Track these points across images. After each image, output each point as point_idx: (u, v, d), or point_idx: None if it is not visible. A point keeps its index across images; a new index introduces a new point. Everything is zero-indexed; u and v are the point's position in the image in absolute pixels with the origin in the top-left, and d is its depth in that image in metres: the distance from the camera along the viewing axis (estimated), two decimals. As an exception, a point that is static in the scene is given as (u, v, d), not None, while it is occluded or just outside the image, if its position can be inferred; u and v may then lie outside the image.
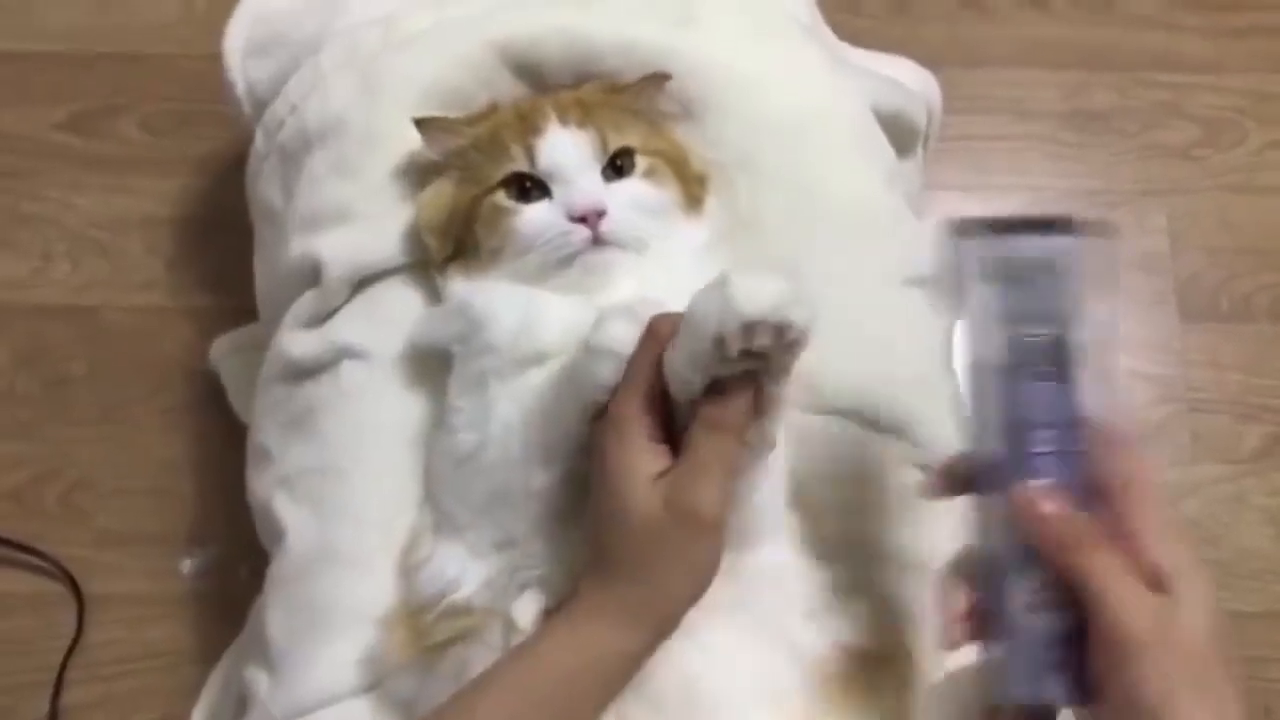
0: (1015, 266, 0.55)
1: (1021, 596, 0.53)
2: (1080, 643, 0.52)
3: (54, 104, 1.15)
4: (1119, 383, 0.56)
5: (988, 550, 0.55)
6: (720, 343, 0.52)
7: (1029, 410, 0.54)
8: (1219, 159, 1.15)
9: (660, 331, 0.57)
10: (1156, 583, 0.50)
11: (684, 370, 0.55)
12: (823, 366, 0.70)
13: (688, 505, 0.55)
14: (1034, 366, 0.54)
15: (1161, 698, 0.49)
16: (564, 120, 0.70)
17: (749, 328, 0.51)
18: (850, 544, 0.72)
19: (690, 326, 0.54)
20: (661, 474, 0.56)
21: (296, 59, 0.82)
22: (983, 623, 0.55)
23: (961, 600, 0.56)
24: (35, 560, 1.00)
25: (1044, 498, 0.53)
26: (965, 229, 0.55)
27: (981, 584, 0.55)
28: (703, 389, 0.55)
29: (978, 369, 0.55)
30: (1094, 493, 0.54)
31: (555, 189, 0.69)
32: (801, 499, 0.70)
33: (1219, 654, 0.50)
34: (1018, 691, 0.54)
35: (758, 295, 0.51)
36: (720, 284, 0.52)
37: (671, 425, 0.58)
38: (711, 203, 0.76)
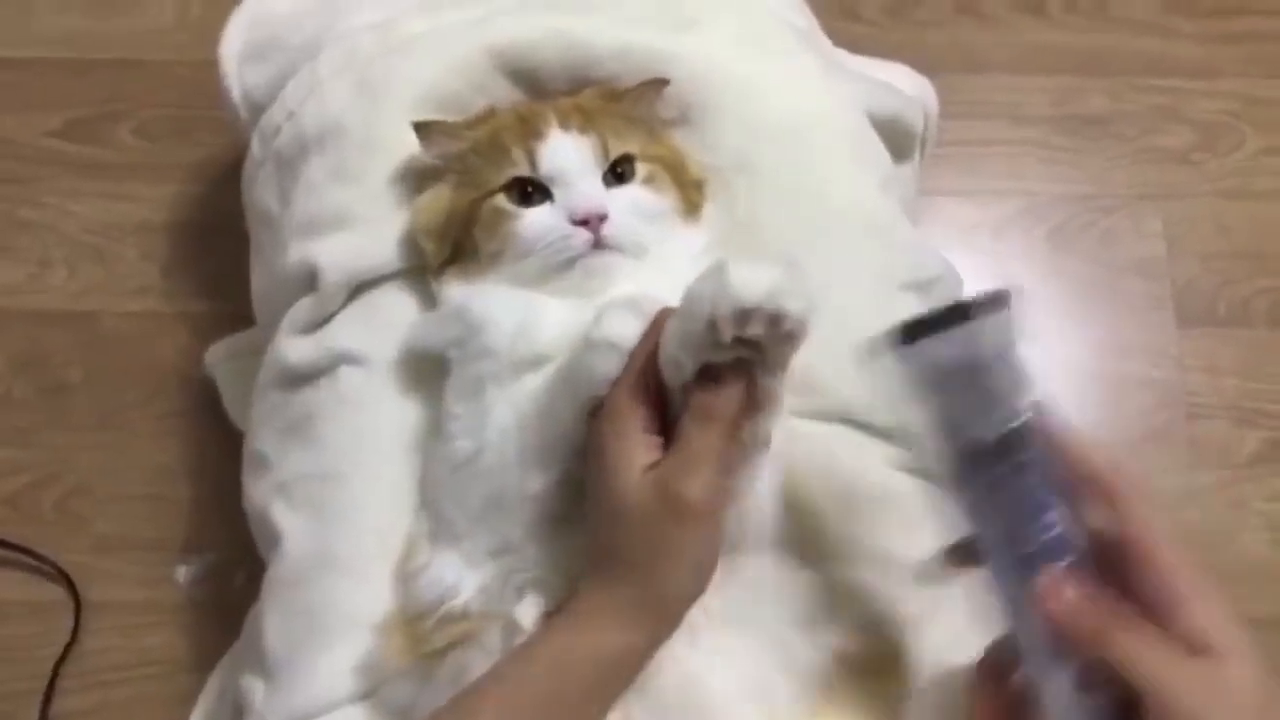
0: (959, 363, 0.52)
1: (1065, 681, 0.51)
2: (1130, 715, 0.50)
3: (50, 110, 1.15)
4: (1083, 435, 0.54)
5: (1016, 643, 0.53)
6: (713, 326, 0.52)
7: (1017, 504, 0.52)
8: (1216, 164, 1.15)
9: (664, 325, 0.57)
10: (1195, 646, 0.49)
11: (676, 352, 0.55)
12: (818, 370, 0.70)
13: (676, 493, 0.55)
14: (1002, 461, 0.52)
15: None
16: (565, 125, 0.70)
17: (743, 314, 0.51)
18: (846, 549, 0.72)
19: (685, 309, 0.54)
20: (654, 465, 0.56)
21: (293, 64, 0.82)
22: (1025, 710, 0.53)
23: (993, 697, 0.55)
24: (32, 562, 0.99)
25: (1058, 591, 0.51)
26: (899, 337, 0.53)
27: (1022, 672, 0.53)
28: (693, 374, 0.55)
29: (952, 476, 0.53)
30: (1106, 558, 0.52)
31: (556, 193, 0.69)
32: (797, 503, 0.70)
33: (1274, 703, 0.49)
34: None
35: (754, 282, 0.51)
36: (718, 269, 0.52)
37: (668, 418, 0.58)
38: (709, 209, 0.77)
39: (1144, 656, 0.49)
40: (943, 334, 0.52)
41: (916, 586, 0.59)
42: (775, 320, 0.52)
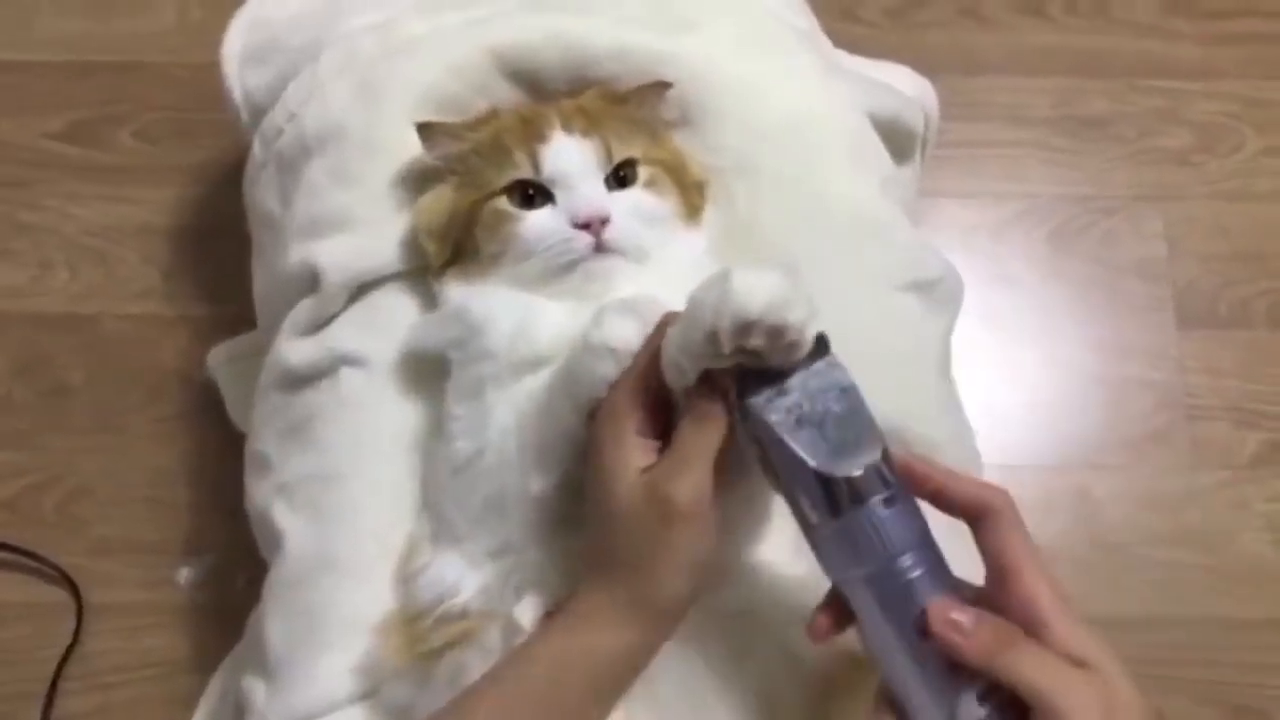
0: (812, 408, 0.53)
1: (966, 712, 0.51)
2: None
3: (51, 113, 1.15)
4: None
5: (907, 678, 0.52)
6: (714, 337, 0.52)
7: (888, 541, 0.51)
8: (1215, 165, 1.15)
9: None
10: (1076, 661, 0.50)
11: (678, 358, 0.55)
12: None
13: (664, 495, 0.55)
14: (867, 499, 0.51)
15: None
16: (568, 128, 0.71)
17: (744, 326, 0.51)
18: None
19: (688, 317, 0.54)
20: (649, 468, 0.56)
21: (294, 66, 0.82)
22: None
23: None
24: (34, 564, 0.99)
25: (956, 610, 0.51)
26: (746, 389, 0.53)
27: (919, 714, 0.52)
28: (694, 379, 0.55)
29: (816, 525, 0.53)
30: (967, 585, 0.53)
31: (559, 195, 0.69)
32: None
33: (1150, 710, 0.50)
34: None
35: (755, 293, 0.51)
36: (721, 278, 0.52)
37: (670, 421, 0.58)
38: (709, 210, 0.77)
39: (1040, 673, 0.49)
40: (806, 370, 0.53)
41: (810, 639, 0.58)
42: (777, 332, 0.52)
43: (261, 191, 0.83)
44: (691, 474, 0.55)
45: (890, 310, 0.79)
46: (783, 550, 0.68)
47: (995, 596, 0.52)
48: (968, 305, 0.85)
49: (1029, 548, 0.53)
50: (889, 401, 0.74)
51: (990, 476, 0.82)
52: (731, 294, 0.51)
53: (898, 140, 0.90)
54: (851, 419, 0.53)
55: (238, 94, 0.86)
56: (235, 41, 0.87)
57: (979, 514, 0.53)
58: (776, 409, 0.53)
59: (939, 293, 0.81)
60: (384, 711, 0.70)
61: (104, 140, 1.14)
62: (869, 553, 0.52)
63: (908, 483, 0.54)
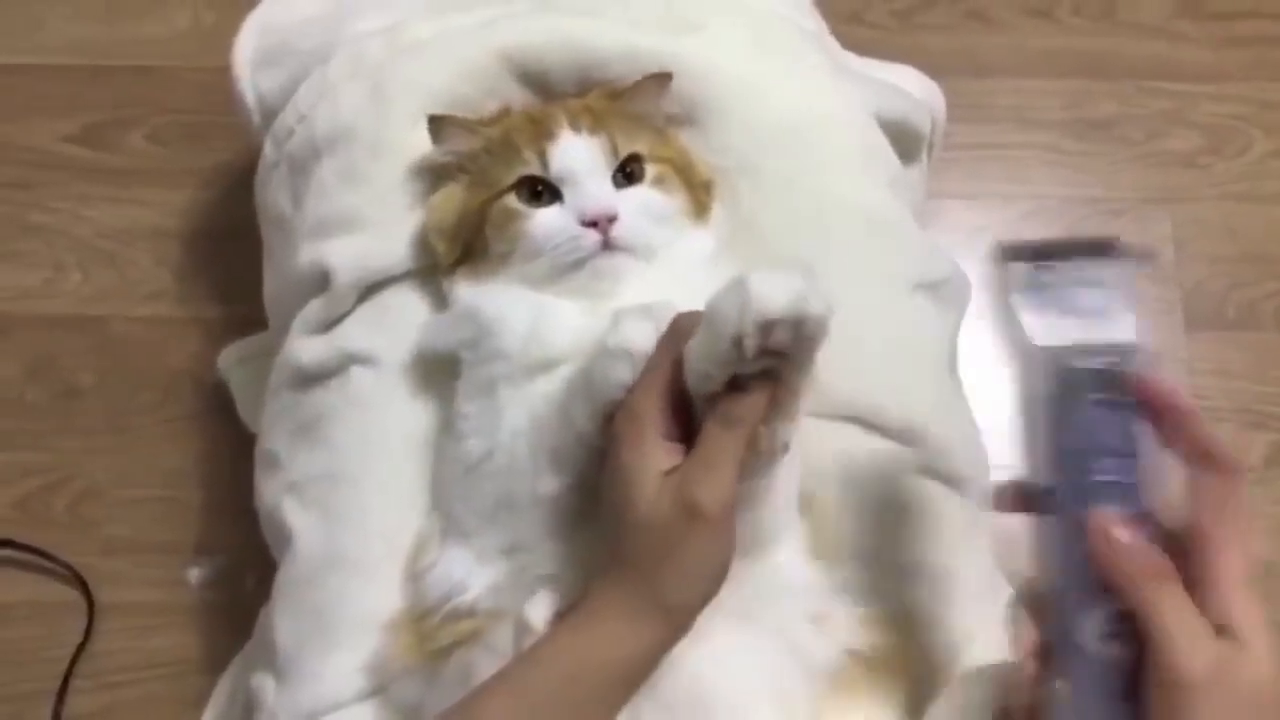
0: (1070, 293, 0.53)
1: (1089, 627, 0.51)
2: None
3: (64, 116, 1.15)
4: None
5: (1053, 579, 0.53)
6: (739, 342, 0.52)
7: (1088, 438, 0.52)
8: (1223, 167, 1.15)
9: (683, 329, 0.57)
10: (1222, 630, 0.49)
11: (704, 368, 0.55)
12: (830, 372, 0.70)
13: (691, 499, 0.55)
14: (1089, 393, 0.52)
15: None
16: (575, 126, 0.71)
17: (767, 327, 0.52)
18: (858, 549, 0.72)
19: (710, 326, 0.54)
20: (670, 470, 0.56)
21: (305, 68, 0.83)
22: (1050, 652, 0.53)
23: (1032, 632, 0.55)
24: (45, 564, 1.00)
25: (1119, 526, 0.51)
26: (1012, 253, 0.54)
27: (1049, 613, 0.53)
28: (722, 386, 0.56)
29: (1031, 397, 0.54)
30: (1160, 524, 0.52)
31: (566, 193, 0.70)
32: (810, 504, 0.70)
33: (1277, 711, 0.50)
34: None
35: (776, 294, 0.51)
36: (739, 284, 0.52)
37: (690, 424, 0.58)
38: (717, 210, 0.77)
39: (1174, 613, 0.49)
40: (1090, 259, 0.54)
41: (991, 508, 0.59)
42: (799, 326, 0.52)
43: (273, 192, 0.84)
44: (718, 478, 0.55)
45: (898, 310, 0.79)
46: (792, 553, 0.69)
47: (1191, 541, 0.51)
48: (976, 306, 0.86)
49: (1239, 513, 0.52)
50: (898, 400, 0.75)
51: (997, 478, 0.83)
52: (752, 298, 0.51)
53: (905, 142, 0.90)
54: (1099, 320, 0.53)
55: (249, 97, 0.87)
56: (246, 45, 0.87)
57: (1208, 464, 0.52)
58: (1029, 282, 0.54)
59: (946, 293, 0.81)
60: (393, 709, 0.70)
61: (116, 143, 1.15)
62: (1084, 436, 0.52)
63: (1154, 406, 0.53)
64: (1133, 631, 0.50)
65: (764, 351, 0.53)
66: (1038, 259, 0.54)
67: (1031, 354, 0.53)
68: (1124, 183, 1.15)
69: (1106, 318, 0.53)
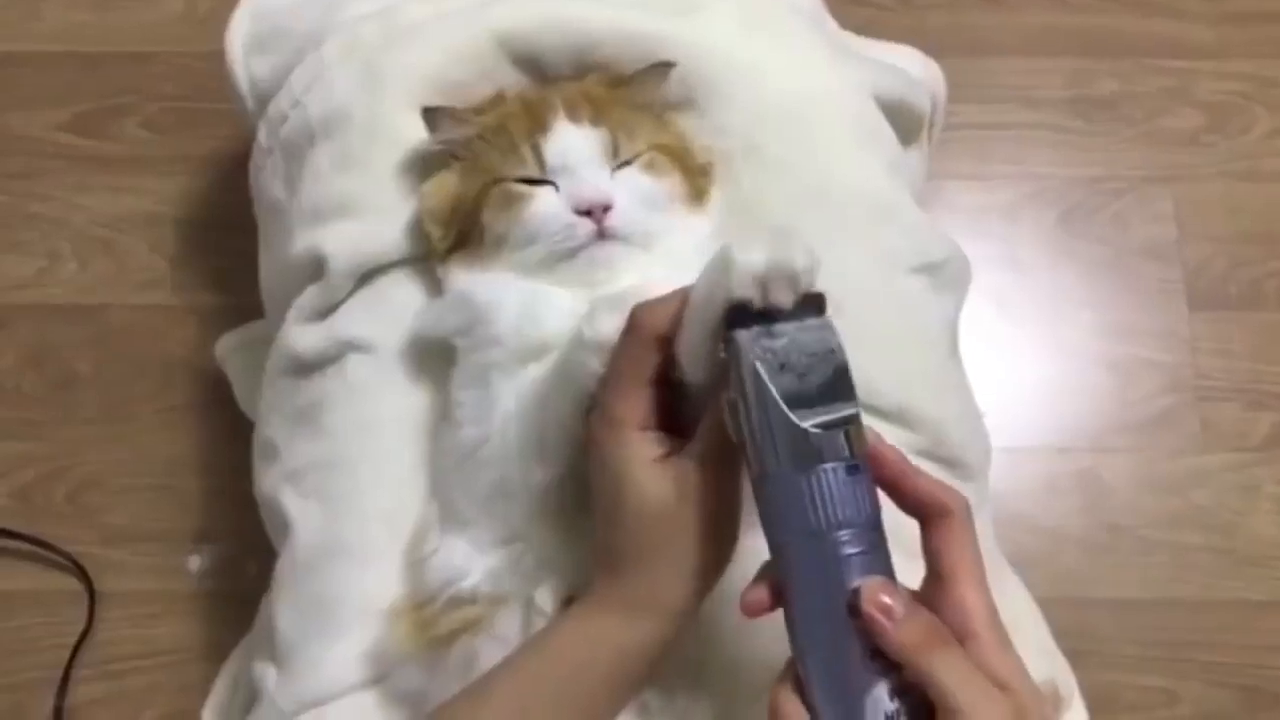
0: (789, 355, 0.50)
1: (874, 708, 0.49)
2: None
3: (58, 104, 1.15)
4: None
5: (820, 668, 0.50)
6: (738, 307, 0.50)
7: (832, 510, 0.49)
8: (1226, 145, 1.15)
9: (643, 321, 0.55)
10: (997, 682, 0.48)
11: (703, 351, 0.53)
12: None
13: (699, 485, 0.54)
14: (828, 460, 0.49)
15: None
16: (574, 116, 0.70)
17: (759, 282, 0.50)
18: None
19: (700, 305, 0.52)
20: (667, 456, 0.56)
21: (298, 53, 0.82)
22: None
23: None
24: (45, 554, 1.00)
25: (879, 598, 0.48)
26: (740, 320, 0.51)
27: (826, 698, 0.50)
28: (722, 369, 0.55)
29: (765, 472, 0.51)
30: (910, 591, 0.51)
31: (561, 182, 0.69)
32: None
33: None
34: None
35: (756, 250, 0.49)
36: (719, 253, 0.51)
37: (676, 410, 0.57)
38: (715, 194, 0.76)
39: (956, 677, 0.47)
40: (799, 321, 0.51)
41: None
42: (792, 279, 0.50)
43: (267, 179, 0.83)
44: (726, 462, 0.54)
45: (898, 292, 0.78)
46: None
47: (930, 599, 0.51)
48: (977, 287, 0.85)
49: (975, 557, 0.51)
50: (896, 382, 0.75)
51: (998, 459, 0.83)
52: (734, 260, 0.50)
53: (904, 123, 0.89)
54: (834, 380, 0.51)
55: (243, 82, 0.86)
56: (239, 30, 0.87)
57: (932, 513, 0.51)
58: (762, 348, 0.51)
59: (946, 275, 0.81)
60: (395, 697, 0.70)
61: (111, 131, 1.14)
62: (818, 514, 0.49)
63: (872, 464, 0.52)
64: (918, 700, 0.48)
65: (762, 316, 0.52)
66: (762, 323, 0.51)
67: (767, 428, 0.50)
68: (1126, 161, 1.14)
69: (829, 377, 0.51)
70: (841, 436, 0.50)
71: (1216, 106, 1.16)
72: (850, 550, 0.49)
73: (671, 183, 0.72)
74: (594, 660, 0.57)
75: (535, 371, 0.65)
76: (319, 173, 0.78)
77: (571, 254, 0.68)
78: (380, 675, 0.70)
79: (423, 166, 0.76)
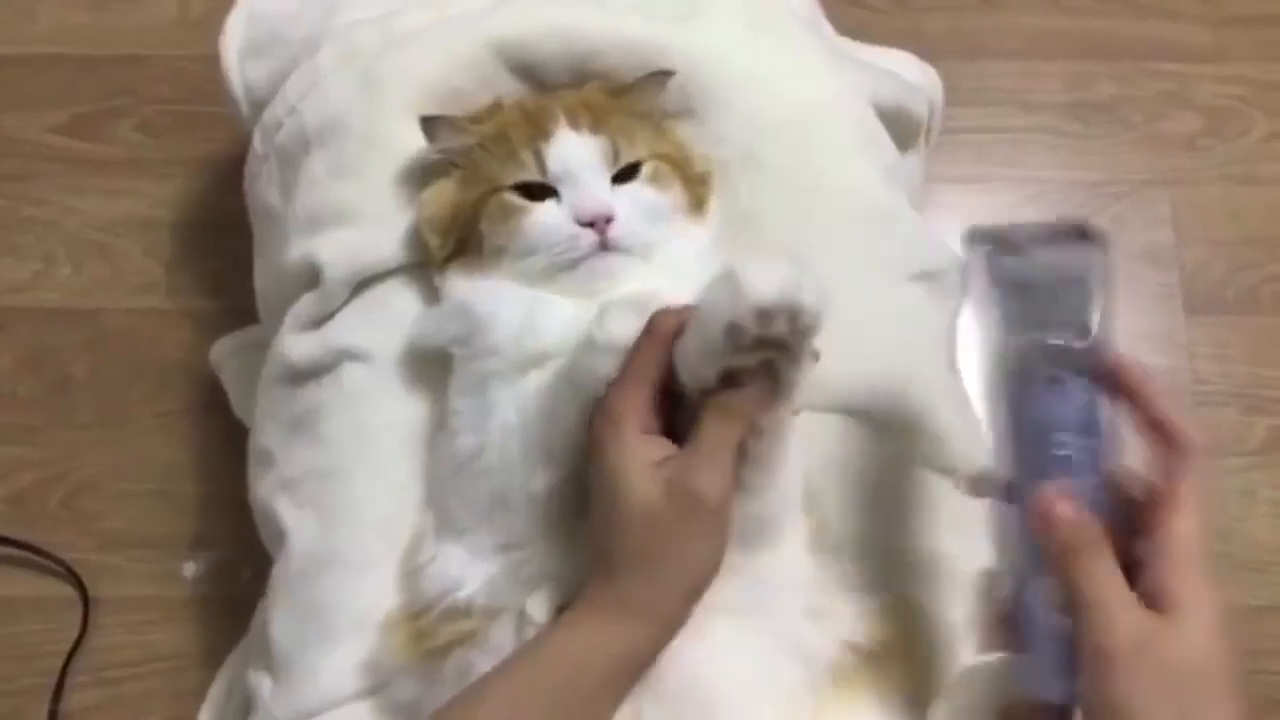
0: (1030, 276, 0.55)
1: (1042, 598, 0.53)
2: None
3: (53, 107, 1.15)
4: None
5: (1010, 554, 0.55)
6: (734, 331, 0.52)
7: (1047, 414, 0.54)
8: (1224, 149, 1.14)
9: (661, 326, 0.57)
10: (1160, 602, 0.51)
11: (698, 363, 0.55)
12: (827, 364, 0.70)
13: (691, 490, 0.55)
14: (1050, 370, 0.54)
15: (1131, 714, 0.49)
16: (575, 124, 0.70)
17: (763, 314, 0.51)
18: (857, 542, 0.72)
19: (702, 319, 0.54)
20: (662, 461, 0.56)
21: (294, 59, 0.82)
22: (1011, 624, 0.55)
23: (994, 605, 0.56)
24: (40, 560, 1.00)
25: (1056, 501, 0.52)
26: (981, 237, 0.56)
27: (1008, 585, 0.55)
28: (717, 380, 0.55)
29: (996, 374, 0.55)
30: (1121, 494, 0.54)
31: (564, 192, 0.69)
32: (808, 497, 0.70)
33: (1212, 682, 0.51)
34: (1039, 689, 0.54)
35: (767, 281, 0.51)
36: (729, 274, 0.52)
37: (674, 418, 0.58)
38: (714, 202, 0.76)
39: (1099, 584, 0.51)
40: (1050, 245, 0.55)
41: (960, 492, 0.62)
42: (794, 315, 0.52)
43: (262, 185, 0.83)
44: (718, 468, 0.56)
45: (896, 300, 0.78)
46: (792, 546, 0.68)
47: (1149, 519, 0.53)
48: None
49: (1192, 487, 0.53)
50: (894, 390, 0.74)
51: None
52: (743, 285, 0.51)
53: (902, 128, 0.89)
54: (1064, 302, 0.55)
55: (238, 87, 0.86)
56: (235, 34, 0.87)
57: (1169, 443, 0.54)
58: (997, 265, 0.56)
59: (945, 282, 0.81)
60: (390, 708, 0.70)
61: (106, 134, 1.14)
62: (1037, 411, 0.54)
63: (1117, 378, 0.55)
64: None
65: (759, 343, 0.53)
66: (1004, 244, 0.56)
67: (996, 336, 0.55)
68: (1124, 165, 1.14)
69: (1069, 300, 0.55)
70: (1065, 350, 0.55)
71: (1215, 110, 1.16)
72: (1059, 451, 0.54)
73: (673, 194, 0.72)
74: (588, 665, 0.57)
75: (534, 380, 0.65)
76: (315, 180, 0.78)
77: (573, 264, 0.68)
78: (375, 686, 0.70)
79: (419, 175, 0.76)
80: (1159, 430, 0.54)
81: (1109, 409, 0.55)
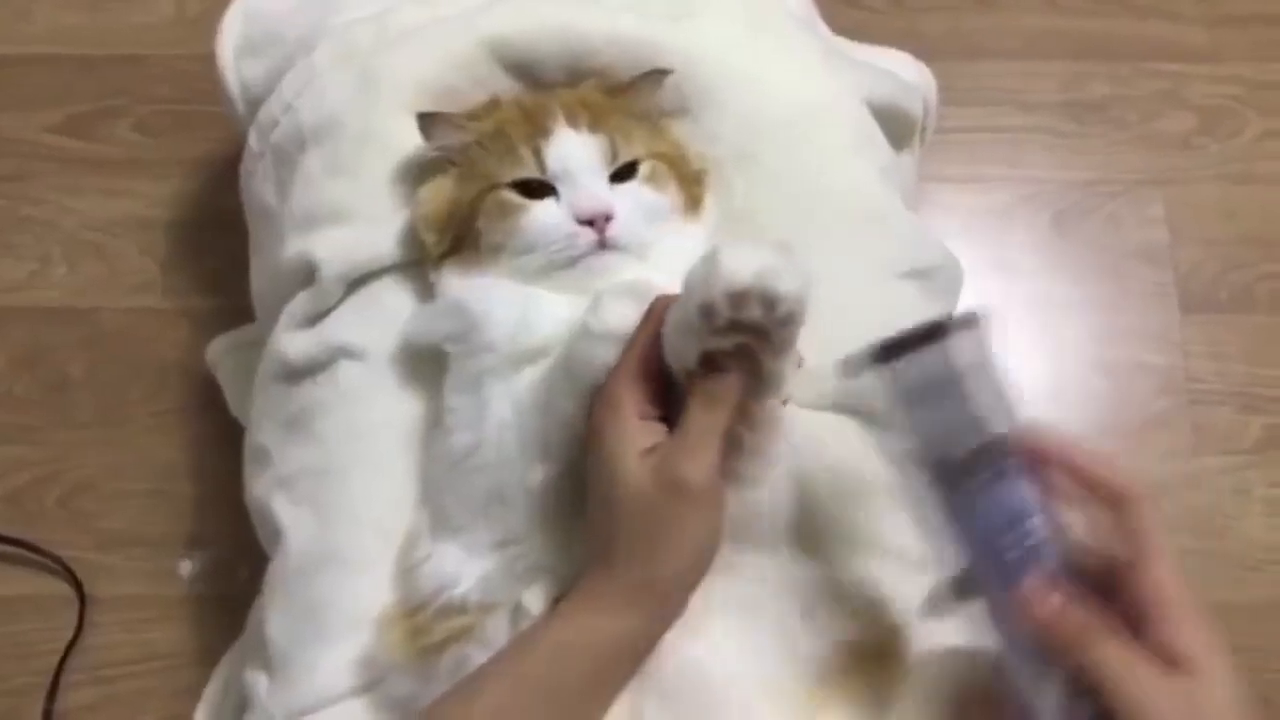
0: (920, 385, 0.53)
1: (1052, 696, 0.52)
2: None
3: (49, 107, 1.14)
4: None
5: (1005, 657, 0.54)
6: (707, 311, 0.52)
7: (985, 519, 0.53)
8: (1218, 148, 1.15)
9: (661, 312, 0.57)
10: (1173, 661, 0.50)
11: (677, 341, 0.55)
12: (816, 359, 0.70)
13: (675, 476, 0.55)
14: (973, 476, 0.53)
15: None
16: (574, 123, 0.70)
17: (735, 297, 0.51)
18: (847, 538, 0.72)
19: (682, 297, 0.54)
20: (652, 448, 0.57)
21: (290, 57, 0.82)
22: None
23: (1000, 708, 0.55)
24: (36, 558, 1.00)
25: (1042, 596, 0.52)
26: (876, 357, 0.54)
27: (1010, 686, 0.54)
28: (696, 362, 0.55)
29: (920, 496, 0.54)
30: (1088, 569, 0.54)
31: (562, 190, 0.69)
32: (798, 492, 0.70)
33: None
34: None
35: (744, 264, 0.51)
36: (710, 255, 0.52)
37: (670, 404, 0.58)
38: (709, 201, 0.76)
39: (1121, 668, 0.49)
40: (916, 352, 0.53)
41: (922, 620, 0.60)
42: (769, 302, 0.52)
43: (258, 184, 0.83)
44: (703, 455, 0.56)
45: (890, 298, 0.78)
46: (787, 544, 0.68)
47: (1124, 581, 0.52)
48: (969, 290, 0.85)
49: (1163, 540, 0.53)
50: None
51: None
52: (721, 266, 0.51)
53: (896, 127, 0.89)
54: (983, 391, 0.54)
55: (234, 86, 0.86)
56: (230, 33, 0.86)
57: (1116, 498, 0.53)
58: (910, 373, 0.54)
59: (939, 281, 0.81)
60: (386, 705, 0.70)
61: (103, 133, 1.14)
62: (984, 516, 0.53)
63: (1036, 459, 0.54)
64: (1090, 686, 0.50)
65: (734, 325, 0.53)
66: (889, 359, 0.54)
67: (917, 448, 0.53)
68: (1119, 164, 1.14)
69: (966, 396, 0.53)
70: (994, 445, 0.53)
71: (1209, 110, 1.16)
72: (1012, 553, 0.53)
73: (670, 193, 0.72)
74: (583, 653, 0.57)
75: (529, 376, 0.65)
76: (310, 178, 0.78)
77: (571, 262, 0.68)
78: (371, 683, 0.70)
79: (415, 173, 0.76)
80: (1100, 489, 0.54)
81: (1041, 487, 0.54)
